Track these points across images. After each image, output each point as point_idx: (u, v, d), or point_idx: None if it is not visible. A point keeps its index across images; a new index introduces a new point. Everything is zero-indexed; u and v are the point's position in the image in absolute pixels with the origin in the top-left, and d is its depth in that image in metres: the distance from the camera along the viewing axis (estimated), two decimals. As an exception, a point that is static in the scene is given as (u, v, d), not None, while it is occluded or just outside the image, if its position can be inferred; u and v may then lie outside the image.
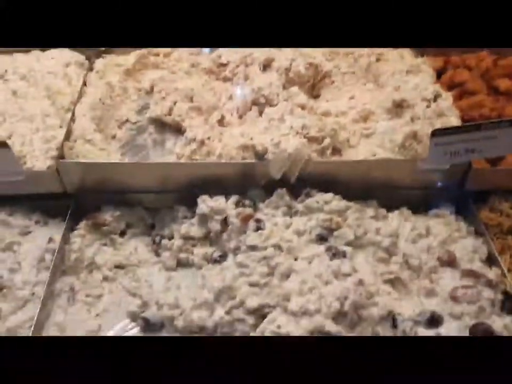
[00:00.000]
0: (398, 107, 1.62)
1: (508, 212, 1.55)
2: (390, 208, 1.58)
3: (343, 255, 1.41)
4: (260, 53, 1.85)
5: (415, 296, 1.33)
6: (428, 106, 1.62)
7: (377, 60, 1.92)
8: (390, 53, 1.92)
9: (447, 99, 1.67)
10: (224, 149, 1.50)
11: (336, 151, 1.55)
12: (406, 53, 1.94)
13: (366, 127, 1.61)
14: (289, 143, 1.46)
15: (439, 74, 1.89)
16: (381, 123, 1.60)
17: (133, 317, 1.37)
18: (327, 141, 1.50)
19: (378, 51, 1.93)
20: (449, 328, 1.25)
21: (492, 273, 1.35)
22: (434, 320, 1.25)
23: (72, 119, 1.62)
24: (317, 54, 1.90)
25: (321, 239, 1.45)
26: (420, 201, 1.61)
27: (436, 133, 1.40)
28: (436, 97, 1.67)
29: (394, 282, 1.39)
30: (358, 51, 1.90)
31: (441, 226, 1.51)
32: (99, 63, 1.87)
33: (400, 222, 1.51)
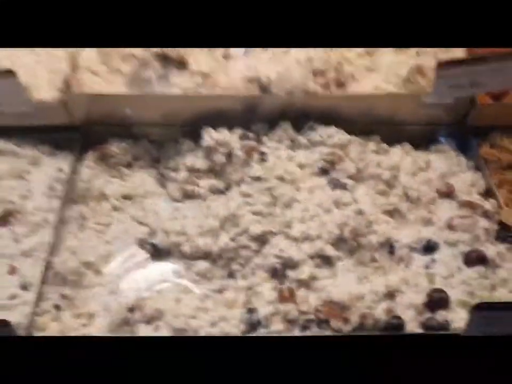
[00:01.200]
0: (404, 41, 1.61)
1: (508, 148, 1.58)
2: (392, 143, 1.61)
3: (344, 187, 1.45)
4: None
5: (413, 225, 1.38)
6: (434, 41, 1.61)
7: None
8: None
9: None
10: (228, 81, 1.51)
11: (340, 84, 1.56)
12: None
13: (371, 60, 1.60)
14: (292, 75, 1.47)
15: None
16: (386, 57, 1.60)
17: (142, 243, 1.43)
18: (331, 74, 1.50)
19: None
20: (444, 254, 1.31)
21: (488, 205, 1.39)
22: (430, 247, 1.31)
23: (77, 51, 1.62)
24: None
25: (323, 172, 1.49)
26: (422, 136, 1.63)
27: (441, 65, 1.39)
28: (443, 31, 1.66)
29: (393, 213, 1.43)
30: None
31: (442, 160, 1.54)
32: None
33: (401, 156, 1.54)
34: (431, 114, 1.58)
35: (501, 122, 1.59)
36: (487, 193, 1.47)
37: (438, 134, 1.64)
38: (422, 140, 1.63)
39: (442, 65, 1.40)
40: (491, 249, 1.31)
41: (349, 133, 1.55)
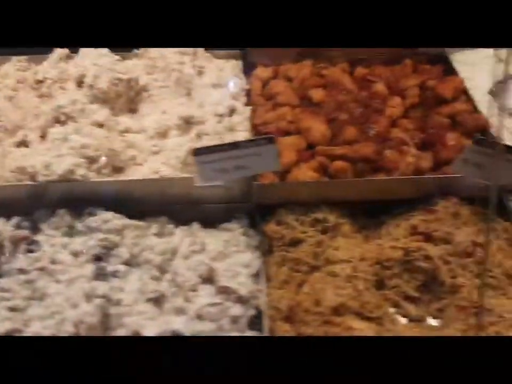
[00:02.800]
0: (188, 123, 1.64)
1: (292, 224, 1.58)
2: (182, 223, 1.61)
3: (114, 274, 1.44)
4: (76, 69, 1.86)
5: (166, 315, 1.35)
6: (219, 122, 1.64)
7: (199, 72, 1.94)
8: (210, 66, 1.94)
9: (243, 113, 1.69)
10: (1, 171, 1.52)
11: (117, 169, 1.57)
12: (227, 64, 1.97)
13: (156, 144, 1.63)
14: (61, 164, 1.48)
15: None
16: (171, 140, 1.62)
17: None
18: (103, 160, 1.52)
19: (199, 63, 1.95)
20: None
21: (246, 290, 1.37)
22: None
23: None
24: (136, 69, 1.91)
25: (97, 259, 1.48)
26: (213, 216, 1.64)
27: (195, 152, 1.41)
28: (232, 112, 1.69)
29: (159, 300, 1.41)
30: (177, 65, 1.91)
31: (220, 241, 1.53)
32: None
33: (181, 238, 1.54)
34: (212, 194, 1.59)
35: (285, 200, 1.61)
36: (257, 275, 1.46)
37: (230, 212, 1.64)
38: (215, 218, 1.64)
39: (196, 152, 1.42)
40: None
41: (137, 216, 1.55)
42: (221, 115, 1.66)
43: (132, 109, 1.84)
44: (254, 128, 1.75)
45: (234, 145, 1.39)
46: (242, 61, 2.03)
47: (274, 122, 1.73)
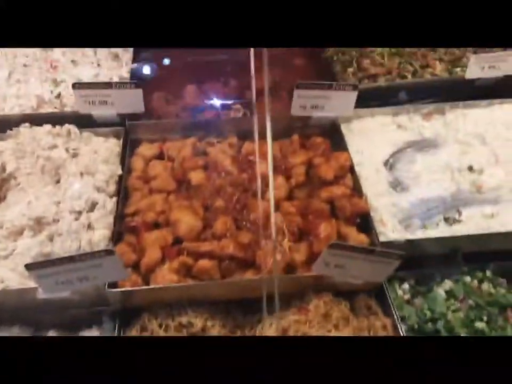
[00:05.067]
0: (39, 224, 1.52)
1: (156, 331, 1.45)
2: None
3: None
4: None
5: None
6: (76, 219, 1.52)
7: (74, 155, 1.82)
8: (85, 149, 1.83)
9: (105, 207, 1.57)
10: None
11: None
12: (106, 145, 1.85)
13: (5, 246, 1.49)
14: None
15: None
16: (21, 242, 1.49)
17: None
18: None
19: (74, 145, 1.83)
20: None
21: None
22: None
23: None
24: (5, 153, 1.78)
25: None
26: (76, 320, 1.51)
27: (29, 267, 1.28)
28: (93, 206, 1.58)
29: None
30: (47, 150, 1.78)
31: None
32: None
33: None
34: (77, 299, 1.46)
35: (147, 304, 1.49)
36: None
37: (92, 317, 1.51)
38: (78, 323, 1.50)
39: (29, 267, 1.29)
40: None
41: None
42: (79, 211, 1.54)
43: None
44: (124, 218, 1.64)
45: (70, 259, 1.27)
46: (126, 137, 1.92)
47: (145, 212, 1.62)
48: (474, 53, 2.00)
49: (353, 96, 1.84)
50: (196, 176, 1.76)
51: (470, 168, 1.85)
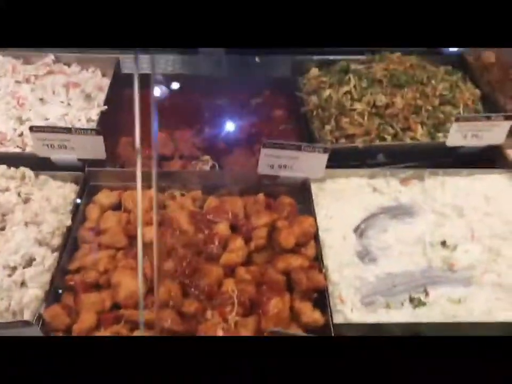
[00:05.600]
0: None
1: None
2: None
3: None
4: None
5: None
6: (9, 275, 1.42)
7: (25, 200, 1.73)
8: (37, 195, 1.74)
9: (44, 263, 1.47)
10: None
11: None
12: (61, 191, 1.76)
13: None
14: None
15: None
16: None
17: None
18: None
19: (27, 190, 1.75)
20: None
21: None
22: None
23: None
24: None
25: None
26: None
27: None
28: (31, 261, 1.47)
29: None
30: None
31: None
32: None
33: None
34: None
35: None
36: None
37: None
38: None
39: None
40: None
41: None
42: (14, 267, 1.44)
43: None
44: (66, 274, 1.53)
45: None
46: (84, 183, 1.83)
47: (87, 271, 1.52)
48: (457, 120, 1.92)
49: (323, 158, 1.76)
50: (149, 233, 1.66)
51: (443, 243, 1.74)
